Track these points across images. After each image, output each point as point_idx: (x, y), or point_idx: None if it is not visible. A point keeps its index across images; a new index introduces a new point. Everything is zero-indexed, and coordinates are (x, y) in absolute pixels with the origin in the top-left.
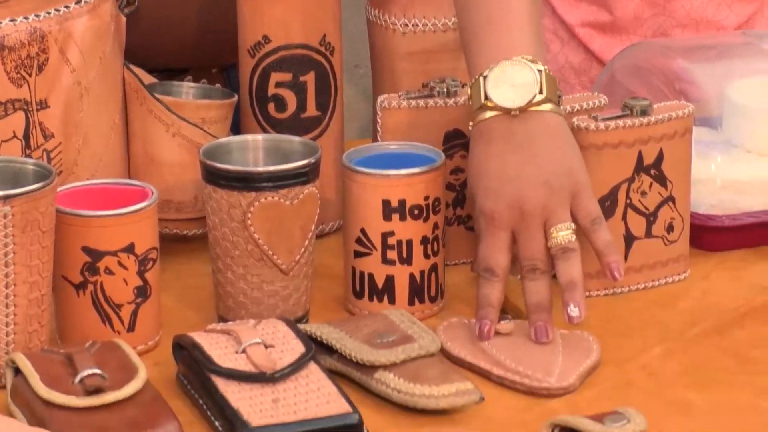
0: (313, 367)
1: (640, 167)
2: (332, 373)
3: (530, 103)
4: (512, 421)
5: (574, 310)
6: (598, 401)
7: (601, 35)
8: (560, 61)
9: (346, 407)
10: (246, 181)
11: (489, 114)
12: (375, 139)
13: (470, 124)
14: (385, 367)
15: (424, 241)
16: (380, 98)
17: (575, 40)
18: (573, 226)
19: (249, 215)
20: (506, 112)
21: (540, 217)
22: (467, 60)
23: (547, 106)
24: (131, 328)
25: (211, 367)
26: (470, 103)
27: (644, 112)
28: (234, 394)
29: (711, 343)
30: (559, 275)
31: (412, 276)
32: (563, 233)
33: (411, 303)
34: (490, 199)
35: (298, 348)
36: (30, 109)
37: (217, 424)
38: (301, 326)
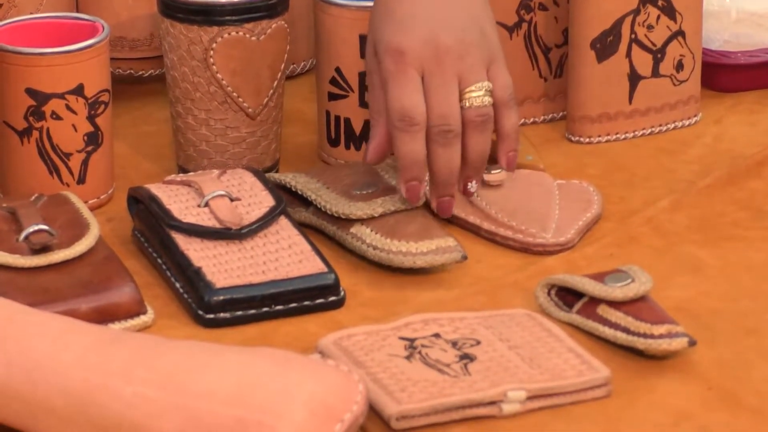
0: (283, 222)
1: None
2: (305, 228)
3: None
4: (504, 281)
5: (473, 186)
6: (599, 259)
7: None
8: None
9: (320, 266)
10: (207, 14)
11: None
12: None
13: None
14: (363, 221)
15: None
16: None
17: None
18: (491, 87)
19: (211, 52)
20: None
21: (454, 65)
22: None
23: None
24: (81, 180)
25: (171, 222)
26: None
27: None
28: (196, 252)
29: (724, 194)
30: (469, 148)
31: None
32: (480, 94)
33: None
34: (399, 33)
35: (267, 201)
36: None
37: (177, 285)
38: (276, 175)
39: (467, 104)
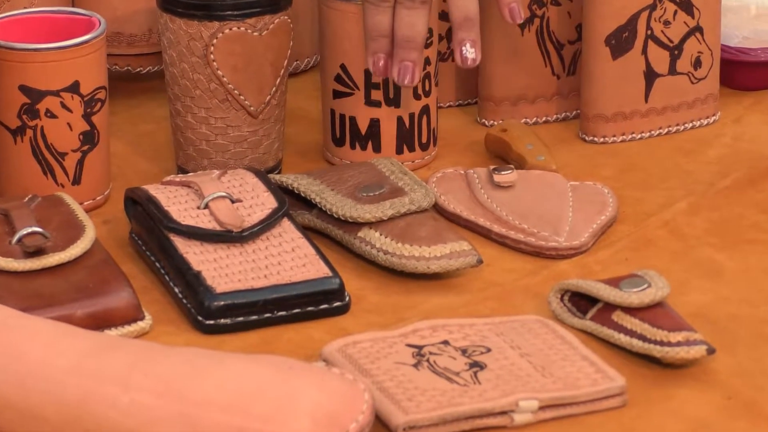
0: (286, 224)
1: None
2: (309, 231)
3: None
4: (515, 286)
5: (469, 51)
6: (614, 263)
7: None
8: None
9: (324, 270)
10: (208, 9)
11: None
12: None
13: None
14: (371, 224)
15: None
16: None
17: None
18: None
19: (212, 48)
20: None
21: None
22: None
23: None
24: (77, 180)
25: (169, 224)
26: None
27: None
28: (195, 255)
29: (743, 196)
30: (451, 8)
31: (400, 119)
32: None
33: (399, 151)
34: None
35: (269, 202)
36: None
37: (176, 290)
38: (276, 177)
39: None
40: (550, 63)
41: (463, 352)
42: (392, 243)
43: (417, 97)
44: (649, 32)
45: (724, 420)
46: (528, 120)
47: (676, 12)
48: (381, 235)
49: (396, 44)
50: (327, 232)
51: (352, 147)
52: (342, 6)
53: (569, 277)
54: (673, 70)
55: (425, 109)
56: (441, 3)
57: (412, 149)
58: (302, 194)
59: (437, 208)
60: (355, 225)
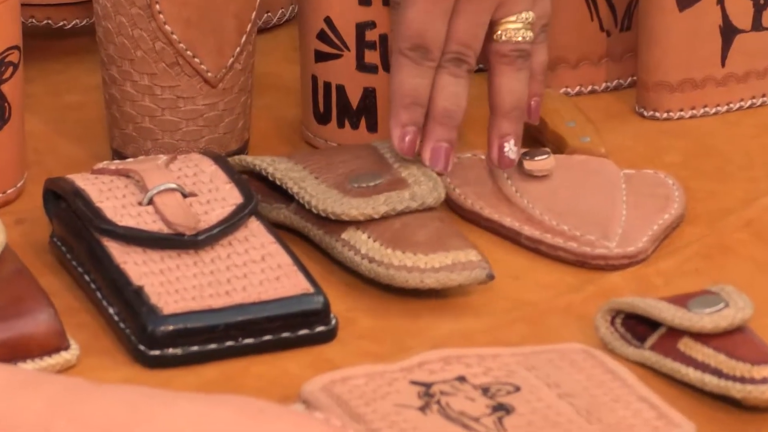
0: (255, 225)
1: None
2: (286, 232)
3: None
4: (552, 305)
5: (512, 150)
6: (680, 276)
7: None
8: None
9: (304, 285)
10: None
11: None
12: None
13: None
14: (358, 223)
15: None
16: None
17: None
18: (534, 20)
19: None
20: None
21: None
22: None
23: None
24: None
25: (102, 225)
26: None
27: None
28: (137, 266)
29: None
30: (498, 92)
31: None
32: (519, 26)
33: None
34: None
35: (232, 197)
36: None
37: (111, 310)
38: (249, 158)
39: (503, 37)
40: (597, 15)
41: (485, 391)
42: (380, 248)
43: None
44: None
45: None
46: (569, 90)
47: None
48: (369, 237)
49: (432, 118)
50: (306, 232)
51: (340, 125)
52: None
53: (622, 293)
54: (757, 25)
55: None
56: None
57: None
58: (278, 182)
59: (451, 204)
60: (339, 224)
